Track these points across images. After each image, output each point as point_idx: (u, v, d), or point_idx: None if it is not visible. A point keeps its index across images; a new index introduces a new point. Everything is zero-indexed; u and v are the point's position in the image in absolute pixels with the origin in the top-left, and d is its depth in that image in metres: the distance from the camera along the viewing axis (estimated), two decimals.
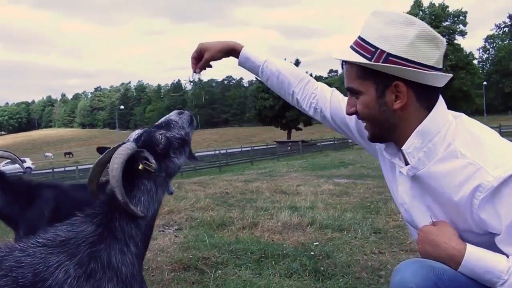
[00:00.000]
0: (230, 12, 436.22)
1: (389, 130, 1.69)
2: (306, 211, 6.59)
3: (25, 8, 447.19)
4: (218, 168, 30.01)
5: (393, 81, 1.59)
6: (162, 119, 2.15)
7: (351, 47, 1.70)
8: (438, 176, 1.57)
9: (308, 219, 5.77)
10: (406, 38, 1.56)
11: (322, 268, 3.77)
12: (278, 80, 2.22)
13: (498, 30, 62.70)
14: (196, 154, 2.37)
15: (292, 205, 7.22)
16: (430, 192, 1.63)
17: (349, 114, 1.79)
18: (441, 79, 1.60)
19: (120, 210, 1.87)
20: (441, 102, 1.65)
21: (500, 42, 66.87)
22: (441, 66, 1.61)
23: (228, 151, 46.23)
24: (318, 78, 68.17)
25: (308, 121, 64.62)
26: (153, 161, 1.94)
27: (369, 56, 1.60)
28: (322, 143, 48.21)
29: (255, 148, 48.50)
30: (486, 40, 71.81)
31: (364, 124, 1.78)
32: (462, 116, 1.67)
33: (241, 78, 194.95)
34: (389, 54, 1.57)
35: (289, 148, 45.63)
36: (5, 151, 3.97)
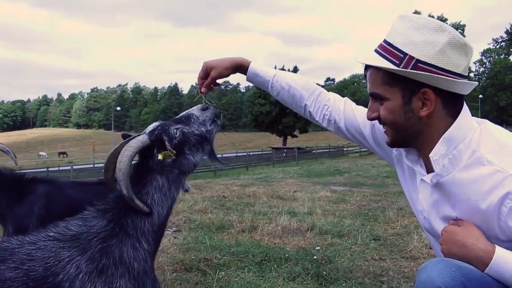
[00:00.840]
0: (231, 17, 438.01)
1: (412, 137, 1.68)
2: (305, 216, 6.59)
3: (26, 6, 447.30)
4: (213, 172, 29.94)
5: (421, 88, 1.58)
6: (183, 113, 2.11)
7: (376, 51, 1.68)
8: (463, 183, 1.56)
9: (308, 224, 5.78)
10: (436, 45, 1.55)
11: (325, 273, 3.77)
12: (289, 94, 2.21)
13: (496, 45, 63.10)
14: None
15: (290, 210, 7.22)
16: (452, 199, 1.62)
17: (371, 119, 1.78)
18: (469, 87, 1.60)
19: (133, 208, 1.87)
20: (466, 109, 1.65)
21: (496, 56, 67.32)
22: (466, 74, 1.60)
23: (223, 155, 46.18)
24: None
25: (304, 128, 64.74)
26: (172, 150, 1.92)
27: (397, 62, 1.58)
28: (318, 151, 48.23)
29: (251, 153, 48.44)
30: (482, 54, 72.27)
31: (384, 129, 1.77)
32: (486, 122, 1.67)
33: (238, 84, 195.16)
34: (418, 61, 1.55)
35: (284, 154, 45.63)
36: None
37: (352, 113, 2.10)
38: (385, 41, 1.67)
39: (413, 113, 1.62)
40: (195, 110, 2.11)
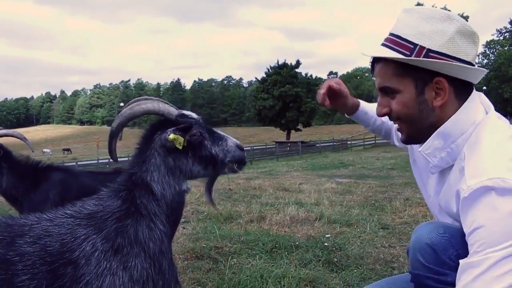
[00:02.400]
0: (234, 12, 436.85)
1: (426, 130, 1.67)
2: (312, 207, 6.60)
3: (30, 4, 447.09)
4: None
5: (434, 78, 1.57)
6: (222, 132, 2.08)
7: (384, 45, 1.66)
8: (452, 173, 1.62)
9: (316, 214, 5.79)
10: (446, 34, 1.55)
11: (336, 259, 3.78)
12: (379, 126, 2.38)
13: (499, 35, 62.76)
14: None
15: (297, 201, 7.23)
16: (447, 188, 1.66)
17: (381, 115, 1.76)
18: (480, 74, 1.60)
19: (140, 188, 1.90)
20: (471, 99, 1.62)
21: (500, 48, 67.00)
22: (475, 62, 1.60)
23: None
24: (318, 80, 68.13)
25: (307, 122, 64.72)
26: (185, 143, 1.92)
27: (408, 53, 1.57)
28: (321, 144, 48.21)
29: (254, 148, 48.47)
30: (486, 45, 71.89)
31: (396, 126, 1.78)
32: (490, 114, 1.63)
33: (241, 78, 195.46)
34: (430, 50, 1.55)
35: (288, 148, 45.65)
36: (14, 131, 3.96)
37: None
38: (392, 34, 1.65)
39: (427, 104, 1.62)
40: (233, 139, 2.07)
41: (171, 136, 1.88)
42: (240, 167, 2.07)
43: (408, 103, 1.63)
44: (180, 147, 1.90)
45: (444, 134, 1.59)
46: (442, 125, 1.60)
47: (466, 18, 64.65)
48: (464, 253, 1.43)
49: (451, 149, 1.59)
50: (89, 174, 4.11)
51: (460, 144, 1.57)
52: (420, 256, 1.57)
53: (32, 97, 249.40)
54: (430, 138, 1.62)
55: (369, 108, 2.33)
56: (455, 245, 1.50)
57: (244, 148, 2.10)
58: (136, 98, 2.09)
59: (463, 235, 1.46)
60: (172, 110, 1.96)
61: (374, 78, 1.76)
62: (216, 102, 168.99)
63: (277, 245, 4.17)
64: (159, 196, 1.90)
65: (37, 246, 1.68)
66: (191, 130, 1.94)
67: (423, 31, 1.56)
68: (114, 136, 1.94)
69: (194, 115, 2.06)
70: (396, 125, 1.80)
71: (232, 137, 2.07)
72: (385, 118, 2.03)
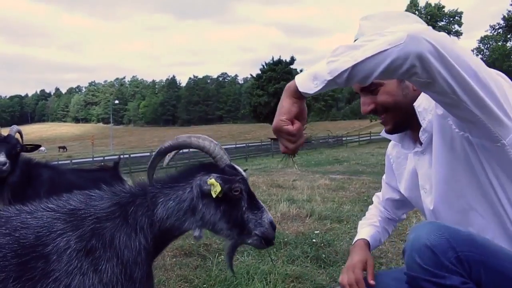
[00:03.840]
0: (232, 8, 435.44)
1: (411, 115, 1.74)
2: (304, 203, 6.61)
3: (27, 0, 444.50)
4: None
5: None
6: (261, 203, 2.00)
7: None
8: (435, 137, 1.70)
9: (307, 210, 5.81)
10: None
11: (324, 255, 3.79)
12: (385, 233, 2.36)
13: (493, 31, 62.93)
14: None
15: (289, 198, 7.24)
16: (438, 148, 1.69)
17: (367, 112, 1.81)
18: None
19: (142, 199, 1.87)
20: None
21: (494, 43, 67.19)
22: None
23: (223, 147, 46.04)
24: None
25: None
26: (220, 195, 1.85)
27: None
28: (317, 141, 48.20)
29: (250, 144, 48.44)
30: (480, 41, 72.03)
31: (382, 119, 1.83)
32: None
33: (236, 75, 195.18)
34: None
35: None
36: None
37: (390, 201, 2.29)
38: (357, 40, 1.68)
39: (409, 89, 1.74)
40: (269, 215, 1.97)
41: (211, 180, 1.83)
42: (266, 245, 1.97)
43: (392, 91, 1.73)
44: (214, 196, 1.83)
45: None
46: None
47: (460, 14, 64.81)
48: (465, 256, 1.43)
49: (432, 115, 1.68)
50: (75, 171, 4.11)
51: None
52: (418, 258, 1.50)
53: (27, 94, 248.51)
54: (419, 96, 1.71)
55: (374, 236, 2.28)
56: (455, 247, 1.45)
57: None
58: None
59: (463, 237, 1.47)
60: (225, 158, 1.92)
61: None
62: (212, 99, 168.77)
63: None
64: (157, 219, 1.85)
65: (10, 238, 1.67)
66: (233, 184, 1.87)
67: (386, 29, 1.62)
68: (160, 154, 1.89)
69: (243, 172, 1.99)
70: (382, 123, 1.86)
71: (268, 212, 1.99)
72: (381, 217, 2.26)
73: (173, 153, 2.07)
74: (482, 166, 1.57)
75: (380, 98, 1.74)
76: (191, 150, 2.13)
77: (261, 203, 1.97)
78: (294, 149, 1.55)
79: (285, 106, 1.47)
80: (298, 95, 1.45)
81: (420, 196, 1.95)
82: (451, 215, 1.73)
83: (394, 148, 2.13)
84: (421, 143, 1.81)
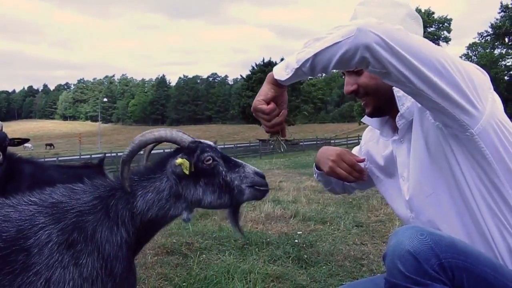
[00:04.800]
0: (225, 9, 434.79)
1: (391, 100, 1.78)
2: (289, 204, 6.63)
3: None
4: None
5: None
6: (241, 161, 1.99)
7: None
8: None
9: (291, 211, 5.82)
10: (398, 16, 1.77)
11: (306, 256, 3.80)
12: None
13: (481, 39, 63.63)
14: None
15: (275, 199, 7.24)
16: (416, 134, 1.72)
17: (350, 93, 1.84)
18: None
19: (122, 192, 1.86)
20: None
21: (482, 50, 67.93)
22: None
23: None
24: None
25: (291, 121, 64.80)
26: (193, 168, 1.84)
27: None
28: (305, 143, 48.33)
29: (238, 145, 48.42)
30: (469, 47, 72.74)
31: (363, 101, 1.86)
32: None
33: (226, 76, 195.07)
34: None
35: (271, 146, 45.67)
36: None
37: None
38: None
39: None
40: (251, 166, 1.97)
41: (178, 160, 1.83)
42: (260, 195, 1.94)
43: (374, 75, 1.72)
44: (187, 172, 1.82)
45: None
46: None
47: (449, 20, 65.36)
48: (448, 262, 1.41)
49: (411, 103, 1.72)
50: (58, 167, 4.06)
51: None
52: (399, 264, 1.44)
53: (14, 90, 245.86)
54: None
55: None
56: (438, 253, 1.41)
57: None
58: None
59: (445, 242, 1.45)
60: (185, 138, 1.90)
61: None
62: (201, 99, 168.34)
63: (248, 242, 4.18)
64: (138, 211, 1.84)
65: None
66: (202, 155, 1.86)
67: (378, 15, 1.67)
68: (126, 163, 1.83)
69: (210, 142, 1.98)
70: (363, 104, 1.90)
71: (250, 165, 1.96)
72: None
73: (145, 156, 2.09)
74: (455, 157, 1.59)
75: (362, 80, 1.79)
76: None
77: (240, 161, 1.96)
78: (271, 127, 1.69)
79: (263, 89, 1.65)
80: (276, 82, 1.60)
81: (386, 182, 2.02)
82: (425, 204, 1.74)
83: (369, 132, 2.17)
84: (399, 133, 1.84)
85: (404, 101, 1.74)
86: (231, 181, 1.88)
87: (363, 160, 2.06)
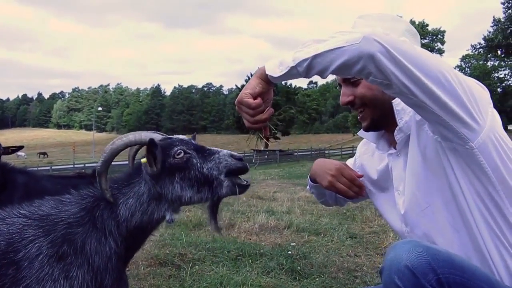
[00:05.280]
0: (222, 19, 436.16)
1: (388, 113, 1.77)
2: (283, 215, 6.61)
3: (15, 5, 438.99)
4: None
5: None
6: (216, 148, 1.90)
7: None
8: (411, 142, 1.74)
9: (285, 222, 5.80)
10: (398, 30, 1.75)
11: (299, 268, 3.79)
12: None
13: (474, 51, 64.26)
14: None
15: (268, 209, 7.23)
16: (413, 149, 1.72)
17: (346, 104, 1.83)
18: None
19: (106, 202, 1.83)
20: None
21: (475, 62, 68.56)
22: None
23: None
24: (298, 89, 68.59)
25: (286, 131, 64.97)
26: (159, 164, 1.78)
27: None
28: (299, 153, 48.43)
29: None
30: (462, 59, 73.38)
31: (360, 115, 1.85)
32: None
33: (221, 86, 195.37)
34: None
35: (266, 157, 45.70)
36: None
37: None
38: None
39: None
40: (225, 150, 1.88)
41: (143, 160, 1.79)
42: (243, 187, 1.84)
43: (372, 86, 1.72)
44: (154, 169, 1.78)
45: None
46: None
47: (443, 32, 66.04)
48: (445, 278, 1.40)
49: (414, 114, 1.69)
50: (51, 178, 4.03)
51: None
52: (397, 279, 1.43)
53: (8, 99, 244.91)
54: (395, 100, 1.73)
55: None
56: (436, 268, 1.40)
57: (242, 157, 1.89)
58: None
59: (443, 257, 1.44)
60: (155, 137, 1.83)
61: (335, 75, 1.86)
62: (196, 108, 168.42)
63: (242, 253, 4.16)
64: (122, 219, 1.81)
65: None
66: (171, 150, 1.80)
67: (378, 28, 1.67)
68: (101, 174, 1.78)
69: (182, 136, 1.91)
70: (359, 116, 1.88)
71: (228, 150, 1.88)
72: None
73: (129, 163, 2.06)
74: (453, 171, 1.58)
75: (359, 91, 1.78)
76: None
77: (215, 148, 1.88)
78: (254, 123, 1.60)
79: (251, 83, 1.59)
80: (265, 78, 1.56)
81: (379, 196, 2.02)
82: (420, 217, 1.73)
83: (364, 145, 2.17)
84: (395, 146, 1.84)
85: (403, 115, 1.74)
86: (208, 172, 1.79)
87: (361, 176, 2.05)
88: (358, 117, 1.88)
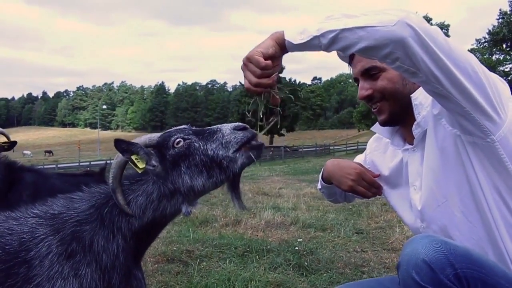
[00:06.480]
0: (227, 16, 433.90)
1: (406, 107, 1.75)
2: (289, 211, 6.62)
3: (21, 4, 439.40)
4: None
5: None
6: (215, 126, 1.79)
7: None
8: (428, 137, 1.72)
9: (291, 218, 5.81)
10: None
11: (306, 263, 3.80)
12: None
13: (479, 45, 63.92)
14: None
15: (274, 206, 7.24)
16: (430, 145, 1.70)
17: (364, 97, 1.81)
18: None
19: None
20: None
21: (480, 56, 68.31)
22: None
23: None
24: (302, 85, 68.51)
25: (291, 127, 64.92)
26: (153, 162, 1.73)
27: None
28: (304, 149, 48.43)
29: None
30: None
31: (376, 108, 1.82)
32: None
33: (225, 83, 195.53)
34: None
35: (271, 153, 45.72)
36: None
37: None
38: None
39: (408, 80, 1.71)
40: (227, 124, 1.76)
41: (134, 156, 1.74)
42: (256, 153, 1.72)
43: (393, 79, 1.73)
44: (141, 166, 1.72)
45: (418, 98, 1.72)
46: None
47: (447, 26, 65.68)
48: (463, 273, 1.39)
49: (427, 112, 1.69)
50: (60, 176, 4.04)
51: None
52: (414, 274, 1.41)
53: (14, 97, 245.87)
54: (417, 90, 1.71)
55: None
56: (454, 263, 1.39)
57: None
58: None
59: (461, 252, 1.43)
60: (153, 137, 1.81)
61: (350, 69, 1.85)
62: (200, 105, 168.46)
63: (249, 249, 4.18)
64: (133, 217, 1.77)
65: None
66: (169, 141, 1.74)
67: None
68: (115, 191, 1.73)
69: (179, 127, 1.84)
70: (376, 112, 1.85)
71: (227, 124, 1.76)
72: None
73: None
74: (472, 165, 1.56)
75: (379, 83, 1.75)
76: None
77: (214, 126, 1.78)
78: (255, 85, 1.52)
79: (265, 43, 1.49)
80: (281, 43, 1.47)
81: (389, 192, 2.02)
82: (437, 212, 1.72)
83: (375, 141, 2.15)
84: (410, 142, 1.82)
85: (421, 110, 1.72)
86: (213, 153, 1.68)
87: (378, 176, 2.04)
88: (374, 110, 1.84)
